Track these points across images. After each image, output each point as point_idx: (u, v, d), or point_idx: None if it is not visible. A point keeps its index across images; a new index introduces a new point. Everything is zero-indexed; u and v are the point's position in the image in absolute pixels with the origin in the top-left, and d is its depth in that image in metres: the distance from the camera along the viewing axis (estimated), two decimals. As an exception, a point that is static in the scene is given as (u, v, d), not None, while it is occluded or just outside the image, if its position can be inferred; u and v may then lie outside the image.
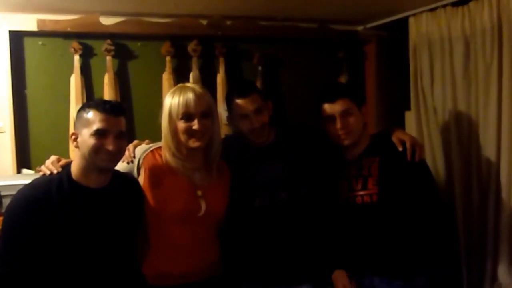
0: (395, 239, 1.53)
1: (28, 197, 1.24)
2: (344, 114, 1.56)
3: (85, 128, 1.29)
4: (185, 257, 1.44)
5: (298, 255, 1.58)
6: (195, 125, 1.37)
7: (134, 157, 1.47)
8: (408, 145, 1.54)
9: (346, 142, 1.58)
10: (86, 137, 1.28)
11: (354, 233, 1.58)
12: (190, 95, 1.38)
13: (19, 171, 2.10)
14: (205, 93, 1.43)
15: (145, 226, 1.43)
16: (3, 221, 1.26)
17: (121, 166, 1.44)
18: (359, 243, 1.57)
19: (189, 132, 1.39)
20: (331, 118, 1.57)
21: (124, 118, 1.34)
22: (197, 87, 1.43)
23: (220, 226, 1.54)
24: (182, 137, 1.39)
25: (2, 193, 1.68)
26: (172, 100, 1.40)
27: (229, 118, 1.64)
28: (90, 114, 1.29)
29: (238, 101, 1.56)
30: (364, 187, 1.56)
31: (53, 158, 1.38)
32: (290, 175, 1.59)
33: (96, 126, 1.27)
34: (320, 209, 1.60)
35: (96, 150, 1.27)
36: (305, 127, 1.73)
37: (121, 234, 1.36)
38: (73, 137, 1.32)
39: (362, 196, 1.56)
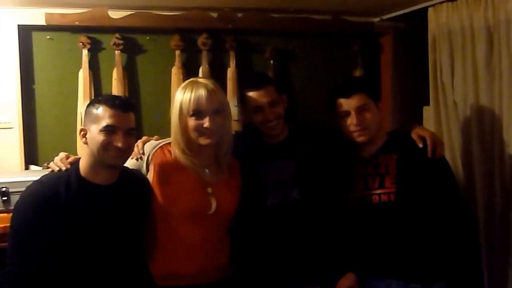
0: (413, 241, 1.51)
1: (36, 194, 1.25)
2: (360, 109, 1.54)
3: (94, 124, 1.29)
4: (193, 256, 1.43)
5: (308, 256, 1.57)
6: (206, 122, 1.36)
7: (143, 153, 1.46)
8: (429, 141, 1.52)
9: (362, 139, 1.56)
10: (95, 134, 1.28)
11: (370, 233, 1.56)
12: (202, 92, 1.37)
13: (27, 168, 2.11)
14: (217, 89, 1.42)
15: (153, 224, 1.43)
16: (12, 218, 1.27)
17: (130, 163, 1.44)
18: (375, 244, 1.55)
19: (200, 130, 1.38)
20: (347, 114, 1.56)
21: (133, 114, 1.34)
22: (210, 83, 1.42)
23: (230, 225, 1.54)
24: (193, 135, 1.38)
25: (10, 190, 1.71)
26: (184, 96, 1.39)
27: (242, 111, 1.63)
28: (100, 110, 1.29)
29: (252, 93, 1.55)
30: (381, 186, 1.54)
31: (62, 155, 1.39)
32: (302, 174, 1.58)
33: (105, 122, 1.27)
34: (332, 209, 1.58)
35: (105, 147, 1.27)
36: (317, 124, 1.72)
37: (129, 232, 1.36)
38: (82, 133, 1.32)
39: (379, 195, 1.54)
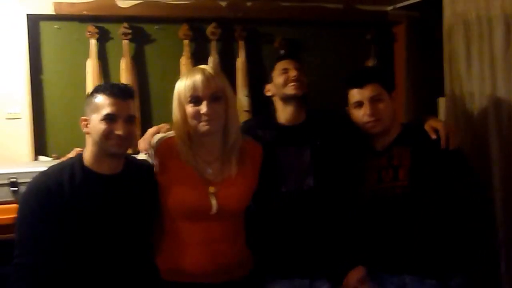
0: (428, 234, 1.49)
1: (40, 186, 1.26)
2: (374, 100, 1.53)
3: (94, 113, 1.29)
4: (197, 255, 1.38)
5: (317, 247, 1.56)
6: (204, 108, 1.31)
7: (151, 147, 1.43)
8: (441, 132, 1.51)
9: (375, 130, 1.55)
10: (96, 123, 1.28)
11: (383, 227, 1.53)
12: (198, 77, 1.33)
13: (36, 158, 2.12)
14: (216, 74, 1.37)
15: (162, 219, 1.41)
16: (18, 210, 1.28)
17: (142, 155, 1.46)
18: (389, 238, 1.53)
19: (197, 117, 1.33)
20: (359, 104, 1.54)
21: (132, 101, 1.34)
22: (208, 68, 1.38)
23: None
24: (192, 123, 1.34)
25: (19, 181, 1.72)
26: (180, 84, 1.36)
27: (270, 85, 1.69)
28: (99, 99, 1.29)
29: (282, 61, 1.67)
30: (395, 178, 1.52)
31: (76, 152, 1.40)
32: (318, 161, 1.57)
33: (105, 111, 1.27)
34: (345, 201, 1.58)
35: (106, 136, 1.27)
36: (332, 112, 1.71)
37: (136, 222, 1.35)
38: (84, 123, 1.32)
39: (392, 187, 1.52)
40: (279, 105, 1.66)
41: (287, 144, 1.59)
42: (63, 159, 1.39)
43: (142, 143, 1.45)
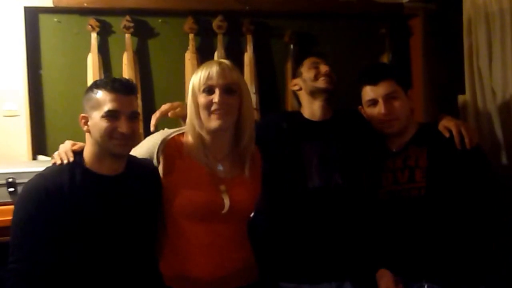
0: (447, 239, 1.46)
1: (37, 188, 1.23)
2: (389, 97, 1.51)
3: (94, 110, 1.26)
4: (204, 259, 1.36)
5: (343, 248, 1.55)
6: (216, 98, 1.32)
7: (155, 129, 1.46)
8: (454, 131, 1.49)
9: (390, 130, 1.53)
10: (97, 120, 1.25)
11: (399, 231, 1.51)
12: (214, 67, 1.35)
13: (34, 158, 2.10)
14: (233, 68, 1.39)
15: (164, 220, 1.39)
16: (13, 214, 1.25)
17: (141, 152, 1.41)
18: (405, 242, 1.50)
19: (209, 107, 1.33)
20: (374, 102, 1.53)
21: (136, 97, 1.32)
22: (225, 61, 1.40)
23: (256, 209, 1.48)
24: (202, 114, 1.34)
25: (17, 181, 1.69)
26: (196, 76, 1.37)
27: (298, 79, 1.71)
28: (99, 94, 1.25)
29: (311, 58, 1.71)
30: (411, 180, 1.50)
31: (67, 144, 1.35)
32: (344, 158, 1.59)
33: (106, 107, 1.24)
34: (369, 201, 1.57)
35: (109, 134, 1.24)
36: (352, 111, 1.69)
37: (139, 225, 1.33)
38: (83, 121, 1.29)
39: (408, 189, 1.50)
40: (305, 100, 1.68)
41: (313, 139, 1.60)
42: (54, 155, 1.33)
43: (153, 119, 1.52)
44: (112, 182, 1.29)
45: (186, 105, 1.43)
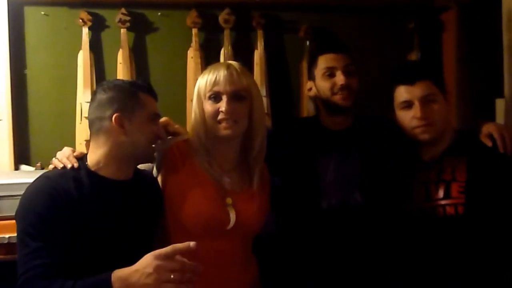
0: (487, 263, 1.39)
1: (46, 190, 1.20)
2: (426, 100, 1.43)
3: (138, 111, 1.27)
4: (208, 279, 1.30)
5: (362, 277, 1.48)
6: (223, 106, 1.29)
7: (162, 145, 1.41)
8: (496, 135, 1.43)
9: (425, 137, 1.44)
10: (144, 122, 1.27)
11: (431, 252, 1.43)
12: (222, 71, 1.32)
13: (16, 168, 2.06)
14: (242, 71, 1.35)
15: (164, 236, 1.35)
16: (19, 224, 1.19)
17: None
18: (439, 265, 1.43)
19: (216, 116, 1.31)
20: (408, 105, 1.45)
21: None
22: (234, 64, 1.37)
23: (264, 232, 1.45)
24: (209, 122, 1.32)
25: (-2, 194, 1.66)
26: (202, 79, 1.35)
27: (311, 82, 1.62)
28: (142, 97, 1.28)
29: (327, 55, 1.55)
30: (447, 195, 1.42)
31: (67, 150, 1.31)
32: (367, 172, 1.51)
33: (151, 109, 1.29)
34: (394, 221, 1.50)
35: (155, 137, 1.30)
36: (378, 117, 1.63)
37: (142, 234, 1.32)
38: (118, 120, 1.25)
39: (443, 206, 1.42)
40: (321, 108, 1.60)
41: (330, 151, 1.54)
42: (53, 160, 1.31)
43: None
44: (123, 186, 1.29)
45: (183, 129, 1.46)
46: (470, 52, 2.32)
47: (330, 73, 1.52)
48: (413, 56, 2.29)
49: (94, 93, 1.31)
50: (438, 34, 2.40)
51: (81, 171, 1.26)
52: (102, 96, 1.27)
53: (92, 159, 1.27)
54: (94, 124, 1.27)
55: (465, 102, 2.29)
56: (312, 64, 1.59)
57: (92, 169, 1.26)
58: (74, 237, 1.20)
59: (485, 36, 2.23)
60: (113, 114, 1.24)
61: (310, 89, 1.58)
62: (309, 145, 1.54)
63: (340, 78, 1.50)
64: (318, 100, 1.58)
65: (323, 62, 1.54)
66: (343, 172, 1.51)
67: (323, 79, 1.53)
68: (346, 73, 1.52)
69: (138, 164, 1.33)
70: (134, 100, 1.27)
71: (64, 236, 1.19)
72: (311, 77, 1.58)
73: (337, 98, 1.51)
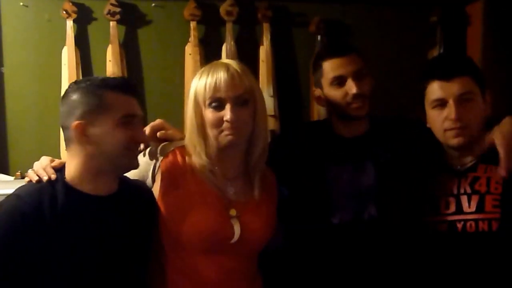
0: None
1: (12, 212, 1.15)
2: (463, 99, 1.36)
3: (101, 115, 1.19)
4: None
5: None
6: (227, 114, 1.25)
7: (154, 153, 1.35)
8: (501, 152, 1.35)
9: (458, 141, 1.38)
10: (109, 128, 1.18)
11: (460, 272, 1.38)
12: (222, 74, 1.26)
13: None
14: (244, 72, 1.30)
15: (160, 253, 1.32)
16: None
17: (131, 173, 1.33)
18: (466, 287, 1.39)
19: (219, 125, 1.27)
20: (442, 103, 1.38)
21: None
22: (234, 64, 1.32)
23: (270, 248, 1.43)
24: (211, 132, 1.28)
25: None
26: (199, 82, 1.29)
27: (319, 90, 1.52)
28: (108, 96, 1.20)
29: (333, 61, 1.45)
30: (480, 209, 1.37)
31: (45, 160, 1.26)
32: (384, 183, 1.45)
33: (122, 111, 1.19)
34: (414, 237, 1.45)
35: (127, 144, 1.20)
36: (399, 119, 1.59)
37: (130, 254, 1.27)
38: (79, 129, 1.19)
39: (476, 221, 1.37)
40: (334, 117, 1.53)
41: (343, 161, 1.48)
42: (29, 172, 1.26)
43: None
44: (104, 203, 1.24)
45: (180, 133, 1.40)
46: (497, 48, 2.26)
47: (339, 82, 1.44)
48: (436, 52, 2.24)
49: (62, 97, 1.24)
50: (463, 29, 2.35)
51: (58, 185, 1.20)
52: (66, 100, 1.22)
53: (68, 172, 1.22)
54: (64, 133, 1.22)
55: (493, 102, 2.09)
56: (316, 70, 1.50)
57: (70, 183, 1.21)
58: (45, 262, 1.14)
59: (513, 31, 2.12)
60: (74, 122, 1.18)
61: (319, 97, 1.50)
62: (319, 154, 1.49)
63: (352, 87, 1.42)
64: (329, 108, 1.52)
65: (329, 69, 1.46)
66: (356, 184, 1.46)
67: (332, 89, 1.45)
68: (357, 79, 1.43)
69: (118, 176, 1.27)
70: (98, 103, 1.20)
71: (30, 263, 1.13)
72: (318, 84, 1.50)
73: (351, 108, 1.44)
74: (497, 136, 1.39)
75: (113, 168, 1.24)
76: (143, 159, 1.35)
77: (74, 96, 1.20)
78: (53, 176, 1.21)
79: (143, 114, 1.27)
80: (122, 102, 1.21)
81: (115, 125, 1.19)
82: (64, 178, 1.22)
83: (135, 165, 1.26)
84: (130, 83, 1.29)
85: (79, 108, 1.20)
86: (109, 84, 1.23)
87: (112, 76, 1.35)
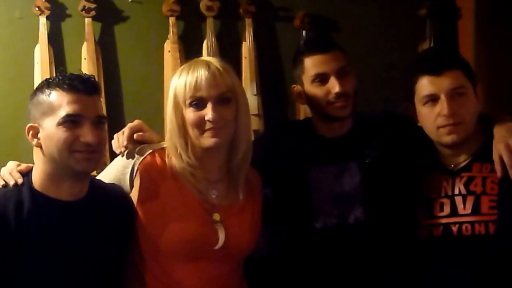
0: None
1: None
2: (455, 93, 1.37)
3: (47, 117, 1.19)
4: None
5: None
6: (209, 114, 1.25)
7: (133, 153, 1.35)
8: (506, 159, 1.35)
9: (452, 138, 1.37)
10: (52, 130, 1.18)
11: (455, 277, 1.38)
12: (202, 72, 1.27)
13: None
14: (225, 69, 1.31)
15: (138, 262, 1.32)
16: None
17: (108, 176, 1.36)
18: None
19: (201, 125, 1.27)
20: (433, 99, 1.38)
21: (100, 98, 1.27)
22: (215, 61, 1.33)
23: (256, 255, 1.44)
24: (192, 133, 1.28)
25: None
26: (178, 81, 1.30)
27: (299, 87, 1.52)
28: (53, 96, 1.19)
29: (314, 57, 1.44)
30: (476, 211, 1.37)
31: (11, 165, 1.27)
32: (370, 185, 1.45)
33: (64, 111, 1.17)
34: (404, 240, 1.45)
35: (69, 146, 1.18)
36: (387, 116, 1.59)
37: (102, 264, 1.28)
38: (32, 132, 1.22)
39: (472, 223, 1.37)
40: (314, 116, 1.52)
41: (326, 162, 1.47)
42: None
43: (119, 137, 1.38)
44: (72, 209, 1.23)
45: (159, 137, 1.40)
46: (491, 42, 2.26)
47: (321, 79, 1.43)
48: (426, 46, 2.21)
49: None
50: (453, 22, 2.33)
51: (24, 190, 1.20)
52: (29, 102, 1.23)
53: (34, 176, 1.22)
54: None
55: (485, 99, 2.05)
56: (297, 65, 1.48)
57: (36, 187, 1.21)
58: (8, 274, 1.15)
59: (507, 25, 2.21)
60: (27, 125, 1.21)
61: (299, 94, 1.48)
62: (300, 155, 1.48)
63: (334, 86, 1.41)
64: (309, 106, 1.50)
65: (310, 66, 1.44)
66: (340, 186, 1.45)
67: (313, 86, 1.44)
68: (340, 77, 1.42)
69: (81, 179, 1.25)
70: (42, 105, 1.20)
71: None
72: (298, 81, 1.48)
73: (334, 108, 1.43)
74: (501, 148, 1.36)
75: (65, 171, 1.21)
76: (119, 162, 1.35)
77: (31, 98, 1.21)
78: (20, 181, 1.20)
79: (99, 114, 1.23)
80: (66, 101, 1.18)
81: (56, 126, 1.18)
82: (31, 182, 1.22)
83: (80, 168, 1.21)
84: (83, 80, 1.23)
85: (31, 110, 1.22)
86: (52, 83, 1.22)
87: (63, 74, 1.30)
